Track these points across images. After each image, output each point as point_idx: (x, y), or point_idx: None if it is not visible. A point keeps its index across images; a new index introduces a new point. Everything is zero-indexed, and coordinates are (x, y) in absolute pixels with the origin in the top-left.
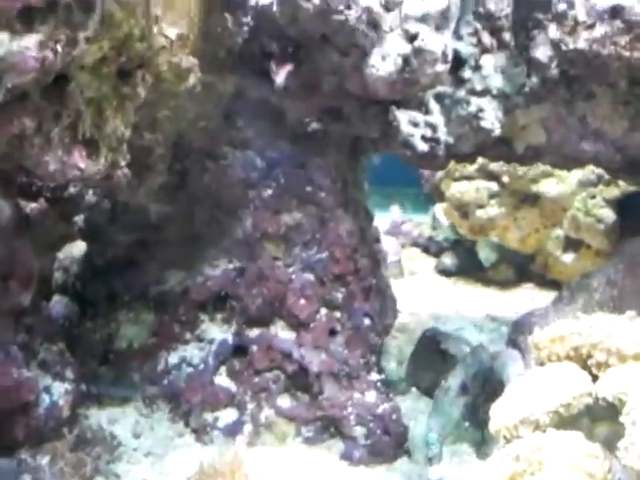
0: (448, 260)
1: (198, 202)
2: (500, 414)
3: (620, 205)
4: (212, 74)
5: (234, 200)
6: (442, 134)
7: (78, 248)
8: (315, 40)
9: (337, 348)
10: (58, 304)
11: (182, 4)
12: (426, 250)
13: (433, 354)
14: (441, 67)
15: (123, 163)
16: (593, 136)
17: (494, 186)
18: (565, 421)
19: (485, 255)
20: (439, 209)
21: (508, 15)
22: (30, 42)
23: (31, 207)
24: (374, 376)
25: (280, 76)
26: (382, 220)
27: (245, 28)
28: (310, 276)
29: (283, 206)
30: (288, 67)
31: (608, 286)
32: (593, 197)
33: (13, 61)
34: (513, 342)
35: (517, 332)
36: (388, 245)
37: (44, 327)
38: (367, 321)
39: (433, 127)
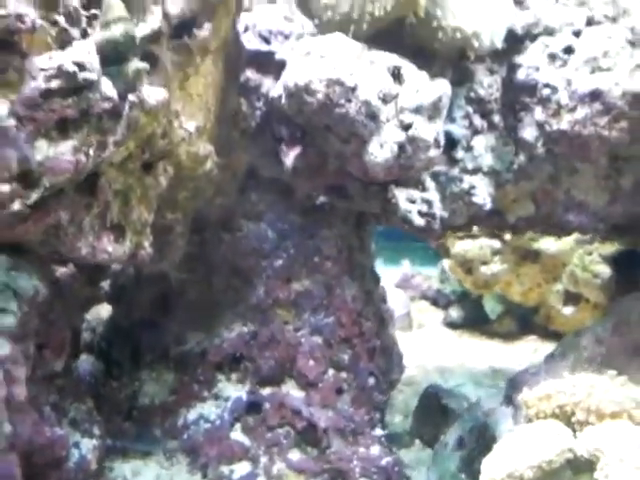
0: (455, 313)
1: (215, 270)
2: (489, 468)
3: (615, 261)
4: (227, 155)
5: (248, 269)
6: (437, 209)
7: (105, 310)
8: (320, 129)
9: (343, 406)
10: (85, 363)
11: (200, 97)
12: (435, 302)
13: (435, 409)
14: (434, 152)
15: (147, 244)
16: (577, 208)
17: (496, 244)
18: (547, 475)
19: (491, 307)
20: (447, 263)
21: (497, 99)
22: (65, 148)
23: (61, 272)
24: (378, 431)
25: (289, 158)
26: (393, 273)
27: (258, 112)
28: (318, 339)
29: (293, 274)
30: (296, 150)
31: (596, 344)
32: (590, 254)
33: (50, 165)
34: (508, 399)
35: (512, 389)
36: (397, 299)
37: (74, 387)
38: (372, 380)
39: (429, 203)
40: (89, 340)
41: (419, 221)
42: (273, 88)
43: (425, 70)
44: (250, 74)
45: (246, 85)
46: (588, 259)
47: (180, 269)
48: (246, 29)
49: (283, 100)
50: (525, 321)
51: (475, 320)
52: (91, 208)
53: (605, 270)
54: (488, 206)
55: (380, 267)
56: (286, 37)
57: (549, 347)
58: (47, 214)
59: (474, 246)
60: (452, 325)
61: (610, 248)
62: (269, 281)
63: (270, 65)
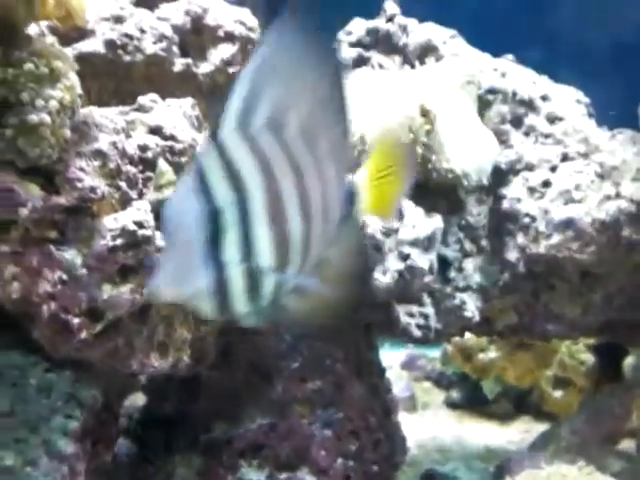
0: (456, 394)
1: (239, 369)
2: None
3: (598, 350)
4: None
5: (268, 368)
6: (433, 322)
7: (141, 398)
8: None
9: None
10: (123, 446)
11: None
12: (438, 383)
13: None
14: (428, 278)
15: (185, 357)
16: (555, 319)
17: None
18: None
19: (489, 389)
20: (448, 347)
21: (485, 226)
22: (125, 289)
23: None
24: None
25: None
26: (399, 356)
27: None
28: (329, 432)
29: (307, 375)
30: None
31: (572, 435)
32: (576, 344)
33: (113, 303)
34: None
35: (498, 476)
36: (402, 382)
37: (115, 471)
38: (375, 468)
39: (425, 317)
40: (126, 425)
41: (417, 333)
42: None
43: (423, 202)
44: None
45: None
46: (575, 348)
47: (209, 368)
48: None
49: None
50: (520, 402)
51: (475, 401)
52: (142, 332)
53: (590, 358)
54: (476, 318)
55: (387, 350)
56: None
57: (541, 427)
58: (108, 340)
59: (472, 335)
60: (453, 406)
61: (593, 339)
62: (286, 380)
63: None
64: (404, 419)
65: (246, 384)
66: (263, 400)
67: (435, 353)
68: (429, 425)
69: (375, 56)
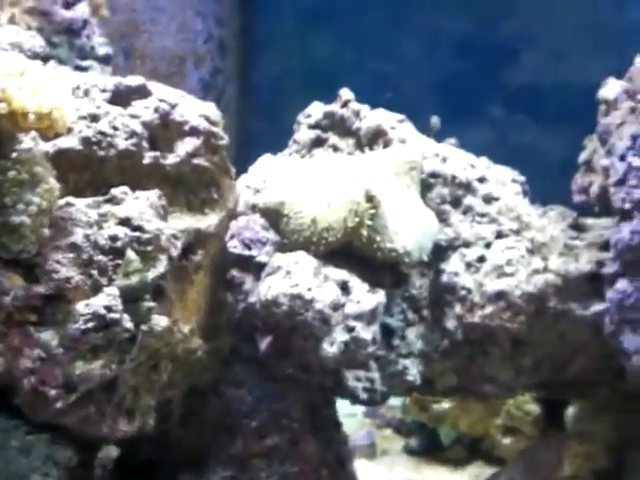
0: (414, 441)
1: (204, 426)
2: None
3: (543, 401)
4: (215, 339)
5: (230, 426)
6: (378, 386)
7: (114, 450)
8: (286, 328)
9: None
10: None
11: (194, 302)
12: (398, 431)
13: None
14: (371, 348)
15: (151, 421)
16: (490, 380)
17: None
18: None
19: (446, 434)
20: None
21: (426, 297)
22: (96, 365)
23: None
24: None
25: (263, 344)
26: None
27: (240, 305)
28: None
29: (266, 432)
30: (269, 338)
31: None
32: (523, 395)
33: (85, 377)
34: None
35: None
36: (364, 431)
37: None
38: None
39: (371, 381)
40: (100, 475)
41: (363, 395)
42: (253, 286)
43: (369, 277)
44: (235, 273)
45: (231, 282)
46: (521, 399)
47: (176, 425)
48: (232, 237)
49: (257, 306)
50: (473, 448)
51: (431, 447)
52: (111, 401)
53: (535, 409)
54: (418, 382)
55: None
56: (263, 244)
57: (492, 472)
58: (80, 408)
59: None
60: (412, 452)
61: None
62: (246, 437)
63: (251, 266)
64: (363, 467)
65: (211, 440)
66: (225, 455)
67: (396, 401)
68: (387, 472)
69: (332, 138)
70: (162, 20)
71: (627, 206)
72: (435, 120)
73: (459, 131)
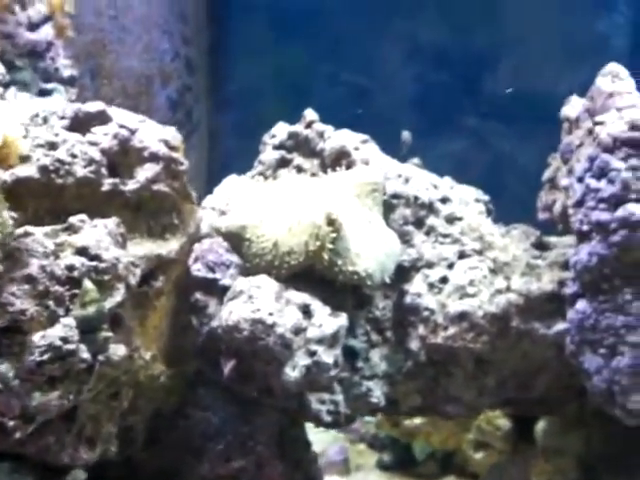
0: (387, 456)
1: (170, 449)
2: None
3: (513, 416)
4: (179, 364)
5: (196, 448)
6: (342, 408)
7: (81, 474)
8: (248, 353)
9: None
10: None
11: (155, 328)
12: (371, 446)
13: None
14: (334, 372)
15: (113, 448)
16: (453, 400)
17: None
18: None
19: (420, 449)
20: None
21: (390, 318)
22: (53, 396)
23: None
24: None
25: (227, 368)
26: None
27: (204, 328)
28: None
29: (232, 455)
30: (232, 363)
31: None
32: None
33: (42, 408)
34: None
35: None
36: (337, 447)
37: None
38: None
39: (335, 403)
40: None
41: (327, 418)
42: (217, 309)
43: (331, 300)
44: (199, 296)
45: (195, 305)
46: (491, 414)
47: (141, 450)
48: (196, 260)
49: (219, 331)
50: (446, 463)
51: (405, 462)
52: (71, 430)
53: (506, 423)
54: (382, 403)
55: None
56: (227, 267)
57: None
58: (40, 438)
59: None
60: (385, 467)
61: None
62: (212, 459)
63: (215, 289)
64: None
65: (177, 462)
66: (192, 477)
67: (370, 417)
68: None
69: (297, 158)
70: (128, 40)
71: (585, 228)
72: (406, 135)
73: (432, 144)
